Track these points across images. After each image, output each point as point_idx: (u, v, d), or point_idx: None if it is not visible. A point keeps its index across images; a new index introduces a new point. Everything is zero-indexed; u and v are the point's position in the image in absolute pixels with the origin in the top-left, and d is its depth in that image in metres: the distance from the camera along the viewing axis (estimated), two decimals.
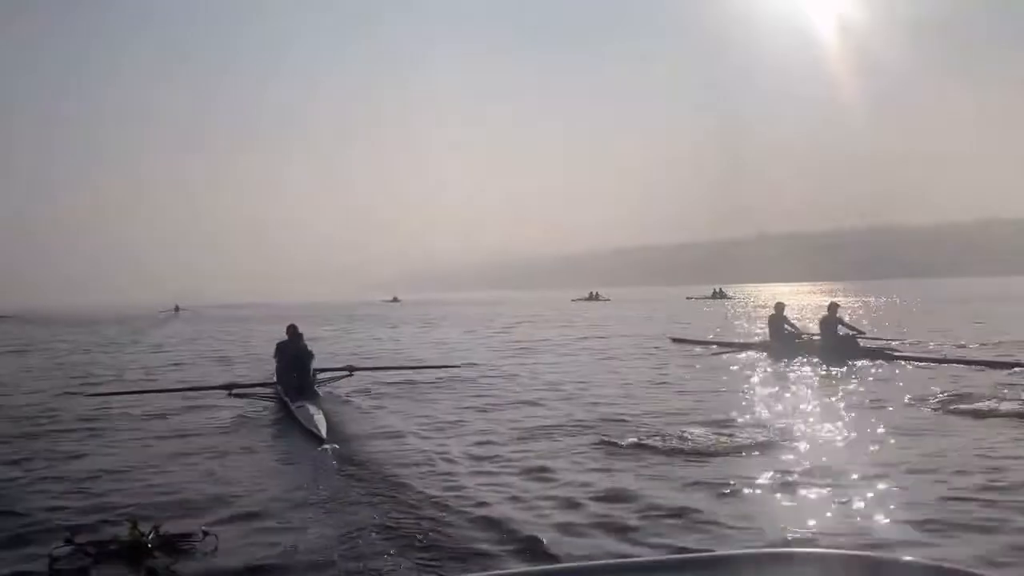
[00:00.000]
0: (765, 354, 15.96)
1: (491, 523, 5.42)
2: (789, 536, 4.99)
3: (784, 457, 7.15)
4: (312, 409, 9.35)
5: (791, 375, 13.32)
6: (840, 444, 7.75)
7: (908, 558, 1.61)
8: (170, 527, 5.13)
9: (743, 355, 16.41)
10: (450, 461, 7.43)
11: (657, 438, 7.91)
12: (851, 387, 11.58)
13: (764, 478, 6.34)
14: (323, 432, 8.43)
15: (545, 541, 5.01)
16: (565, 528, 5.30)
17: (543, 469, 6.92)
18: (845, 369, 13.42)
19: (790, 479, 6.30)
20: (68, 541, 4.93)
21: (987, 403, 9.42)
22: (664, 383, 12.94)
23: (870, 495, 5.78)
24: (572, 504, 5.82)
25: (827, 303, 16.71)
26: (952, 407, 9.36)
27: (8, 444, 8.90)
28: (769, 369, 14.13)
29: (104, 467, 7.55)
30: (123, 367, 18.74)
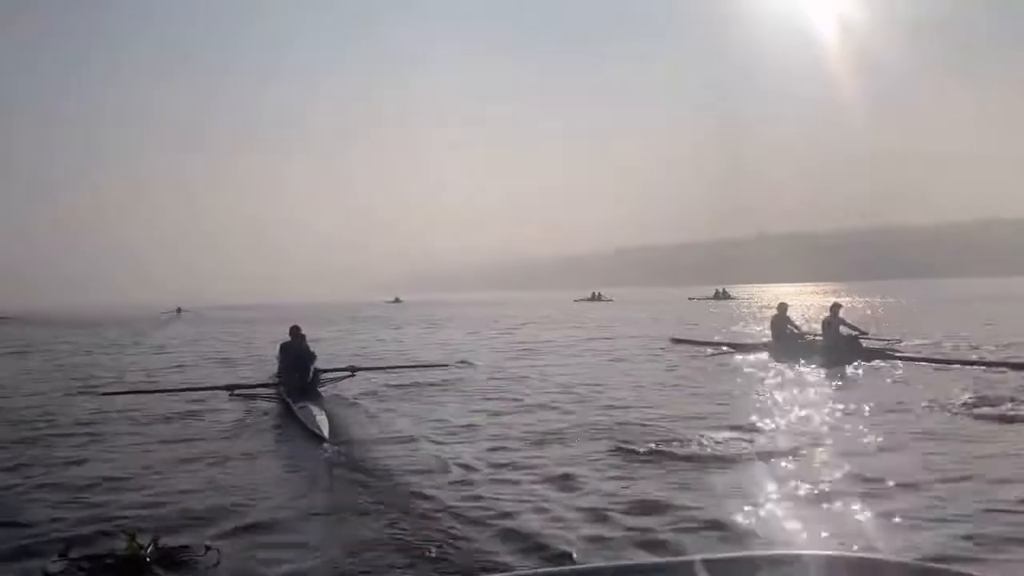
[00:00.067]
0: (769, 355, 15.73)
1: (514, 535, 5.14)
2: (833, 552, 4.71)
3: (813, 464, 6.88)
4: (314, 409, 9.34)
5: (800, 377, 13.06)
6: (867, 450, 7.44)
7: (914, 560, 1.52)
8: (170, 540, 4.90)
9: (748, 356, 16.12)
10: (463, 467, 7.15)
11: (676, 443, 7.66)
12: (865, 389, 11.33)
13: (796, 486, 6.07)
14: (325, 432, 8.44)
15: (575, 555, 4.73)
16: (596, 541, 5.01)
17: (564, 477, 6.62)
18: (851, 370, 13.29)
19: (824, 488, 6.02)
20: (62, 555, 4.71)
21: (1010, 407, 9.16)
22: (676, 385, 12.70)
23: (905, 506, 5.50)
24: (599, 515, 5.52)
25: (830, 303, 16.57)
26: (976, 411, 9.09)
27: (6, 449, 8.67)
28: (777, 370, 13.85)
29: (103, 474, 7.33)
30: (124, 369, 18.53)
